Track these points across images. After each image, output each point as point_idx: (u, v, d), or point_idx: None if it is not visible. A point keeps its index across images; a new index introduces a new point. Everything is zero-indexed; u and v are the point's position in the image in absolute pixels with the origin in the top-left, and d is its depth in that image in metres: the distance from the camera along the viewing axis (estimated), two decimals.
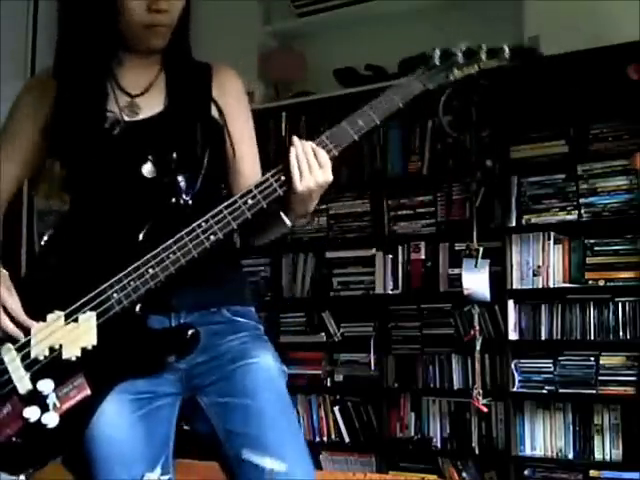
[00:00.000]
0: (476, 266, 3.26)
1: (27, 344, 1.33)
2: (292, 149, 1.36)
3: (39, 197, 3.51)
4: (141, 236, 1.35)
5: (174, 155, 1.42)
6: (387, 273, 3.72)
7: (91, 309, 1.33)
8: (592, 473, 3.18)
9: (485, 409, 3.30)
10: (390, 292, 3.72)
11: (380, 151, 3.80)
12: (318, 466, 3.76)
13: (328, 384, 3.82)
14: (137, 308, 1.34)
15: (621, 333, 3.22)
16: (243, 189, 1.37)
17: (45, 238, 1.56)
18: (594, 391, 3.22)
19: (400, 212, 3.69)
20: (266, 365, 1.41)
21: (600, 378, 3.22)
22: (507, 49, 1.50)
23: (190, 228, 1.33)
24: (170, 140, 1.43)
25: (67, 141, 1.42)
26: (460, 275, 3.32)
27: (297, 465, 1.36)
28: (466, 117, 3.39)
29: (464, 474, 3.48)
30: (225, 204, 1.34)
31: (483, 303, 3.33)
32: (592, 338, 3.27)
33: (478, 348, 3.35)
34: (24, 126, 1.47)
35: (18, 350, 1.33)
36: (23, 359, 1.32)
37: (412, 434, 3.62)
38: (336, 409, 3.79)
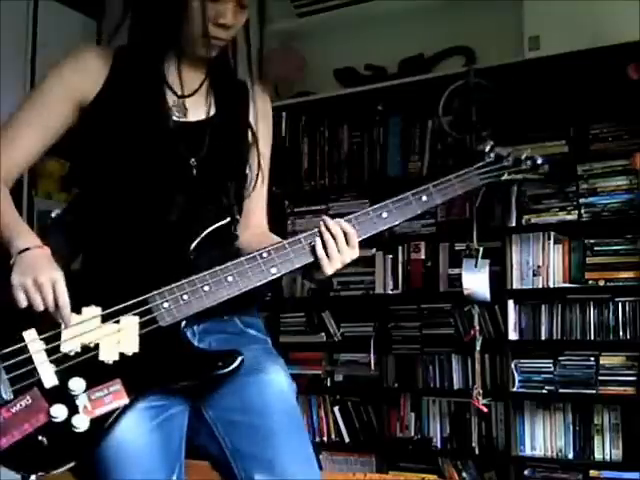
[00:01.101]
0: (476, 266, 3.26)
1: (56, 337, 1.26)
2: (318, 239, 1.37)
3: (39, 197, 3.51)
4: (192, 246, 1.34)
5: (218, 161, 1.43)
6: (387, 273, 3.72)
7: (135, 314, 1.28)
8: (592, 473, 3.18)
9: (485, 409, 3.29)
10: (390, 292, 3.72)
11: (380, 151, 3.81)
12: (318, 466, 3.76)
13: (328, 384, 3.82)
14: (183, 323, 1.32)
15: (621, 333, 3.22)
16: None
17: (53, 215, 1.52)
18: (594, 391, 3.22)
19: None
20: (278, 382, 1.38)
21: (600, 378, 3.22)
22: (546, 166, 1.59)
23: (251, 256, 1.33)
24: (217, 146, 1.44)
25: (117, 125, 1.38)
26: (460, 275, 3.31)
27: None
28: (466, 117, 3.40)
29: (464, 474, 3.48)
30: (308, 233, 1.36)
31: (483, 303, 3.33)
32: (592, 338, 3.27)
33: (478, 348, 3.34)
34: (61, 97, 1.39)
35: (46, 341, 1.26)
36: (50, 352, 1.26)
37: (412, 434, 3.62)
38: (336, 409, 3.79)
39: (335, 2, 3.94)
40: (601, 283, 3.29)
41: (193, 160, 1.40)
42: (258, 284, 1.33)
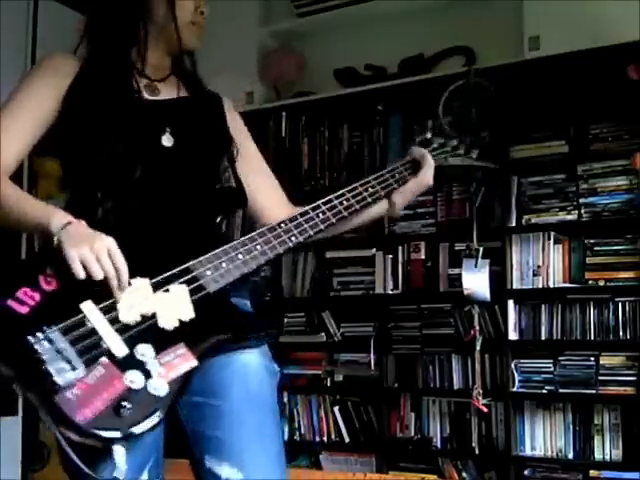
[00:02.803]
0: (476, 266, 3.26)
1: (113, 307, 1.28)
2: (423, 151, 1.63)
3: (39, 197, 3.51)
4: (218, 221, 1.46)
5: (193, 128, 1.50)
6: (387, 273, 3.71)
7: (182, 282, 1.32)
8: (592, 473, 3.18)
9: (485, 409, 3.29)
10: (390, 292, 3.72)
11: (380, 151, 3.81)
12: (318, 466, 3.77)
13: (328, 384, 3.81)
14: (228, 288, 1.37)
15: (621, 333, 3.22)
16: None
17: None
18: (594, 391, 3.22)
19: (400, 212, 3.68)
20: (238, 360, 1.38)
21: (600, 378, 3.21)
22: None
23: (271, 226, 1.43)
24: (190, 117, 1.52)
25: (91, 107, 1.43)
26: (460, 275, 3.32)
27: (257, 474, 1.33)
28: (466, 117, 3.40)
29: (464, 474, 3.48)
30: (317, 203, 1.48)
31: (483, 303, 3.33)
32: (592, 338, 3.27)
33: (478, 348, 3.34)
34: (41, 91, 1.45)
35: (104, 312, 1.27)
36: (111, 322, 1.27)
37: (412, 434, 3.62)
38: (336, 409, 3.78)
39: (335, 2, 3.94)
40: (601, 283, 3.29)
41: (169, 129, 1.46)
42: (282, 252, 1.42)
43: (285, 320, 3.89)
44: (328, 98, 3.89)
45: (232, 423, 1.35)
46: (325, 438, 3.81)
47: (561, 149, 3.38)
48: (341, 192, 1.51)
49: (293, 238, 1.42)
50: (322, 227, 1.46)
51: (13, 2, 3.59)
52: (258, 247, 1.39)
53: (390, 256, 3.71)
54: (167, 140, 1.45)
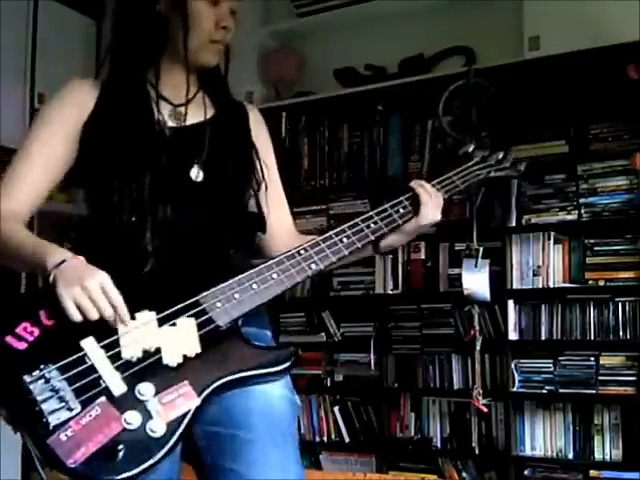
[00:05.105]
0: (476, 266, 3.26)
1: (115, 343, 1.24)
2: (421, 188, 1.50)
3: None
4: (231, 252, 1.40)
5: (224, 161, 1.45)
6: (387, 273, 3.72)
7: (190, 316, 1.28)
8: (592, 473, 3.18)
9: (485, 409, 3.29)
10: (390, 292, 3.72)
11: (380, 151, 3.80)
12: (318, 466, 3.77)
13: (328, 384, 3.81)
14: (240, 321, 1.32)
15: (621, 333, 3.22)
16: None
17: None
18: (594, 391, 3.22)
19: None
20: (263, 391, 1.33)
21: (600, 378, 3.21)
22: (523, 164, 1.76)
23: (290, 253, 1.37)
24: (220, 145, 1.45)
25: (113, 141, 1.38)
26: (460, 275, 3.31)
27: None
28: (466, 117, 3.39)
29: (464, 474, 3.48)
30: (339, 229, 1.43)
31: (483, 303, 3.33)
32: (592, 338, 3.27)
33: (478, 348, 3.34)
34: (63, 127, 1.41)
35: (106, 349, 1.23)
36: (112, 359, 1.23)
37: (412, 434, 3.62)
38: (336, 409, 3.78)
39: (335, 2, 3.94)
40: (601, 283, 3.29)
41: (196, 161, 1.41)
42: (300, 281, 1.37)
43: (285, 320, 3.91)
44: (328, 98, 3.89)
45: (253, 457, 1.30)
46: (325, 438, 3.81)
47: (561, 149, 3.38)
48: (341, 228, 1.44)
49: (313, 265, 1.37)
50: (334, 259, 1.41)
51: (13, 2, 3.59)
52: (275, 276, 1.34)
53: (390, 256, 3.71)
54: (195, 174, 1.41)
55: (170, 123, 1.44)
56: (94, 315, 1.22)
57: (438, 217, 1.51)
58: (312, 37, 4.10)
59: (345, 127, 3.91)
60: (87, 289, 1.21)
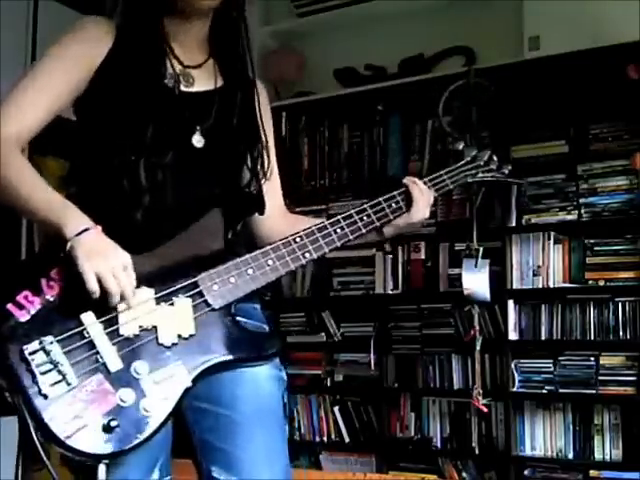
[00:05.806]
0: (476, 266, 3.26)
1: (114, 320, 1.24)
2: (414, 185, 1.57)
3: None
4: (229, 235, 1.41)
5: (226, 129, 1.44)
6: (387, 273, 3.71)
7: (188, 296, 1.29)
8: (592, 473, 3.18)
9: (485, 409, 3.29)
10: (390, 292, 3.72)
11: (380, 151, 3.80)
12: (318, 466, 3.77)
13: (328, 384, 3.81)
14: (233, 305, 1.33)
15: (621, 333, 3.22)
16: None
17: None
18: (594, 391, 3.22)
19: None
20: (252, 372, 1.36)
21: (600, 378, 3.21)
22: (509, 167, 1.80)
23: (286, 240, 1.40)
24: (224, 117, 1.45)
25: (123, 89, 1.36)
26: (460, 275, 3.31)
27: None
28: (466, 117, 3.39)
29: (464, 474, 3.48)
30: (334, 219, 1.46)
31: (483, 303, 3.33)
32: (592, 338, 3.27)
33: (478, 348, 3.34)
34: (67, 65, 1.37)
35: (105, 325, 1.24)
36: (111, 335, 1.24)
37: (412, 434, 3.62)
38: (336, 409, 3.78)
39: (335, 2, 3.94)
40: (601, 283, 3.29)
41: (199, 128, 1.41)
42: (293, 269, 1.40)
43: (285, 320, 3.91)
44: (328, 98, 3.90)
45: (242, 438, 1.33)
46: (325, 438, 3.81)
47: (561, 149, 3.38)
48: (336, 218, 1.48)
49: (307, 255, 1.41)
50: (327, 250, 1.46)
51: (13, 2, 3.58)
52: (270, 262, 1.36)
53: (390, 256, 3.71)
54: (197, 141, 1.41)
55: (179, 84, 1.43)
56: (116, 293, 1.22)
57: (427, 214, 1.58)
58: (312, 37, 4.11)
59: (345, 127, 3.91)
60: (112, 267, 1.21)
